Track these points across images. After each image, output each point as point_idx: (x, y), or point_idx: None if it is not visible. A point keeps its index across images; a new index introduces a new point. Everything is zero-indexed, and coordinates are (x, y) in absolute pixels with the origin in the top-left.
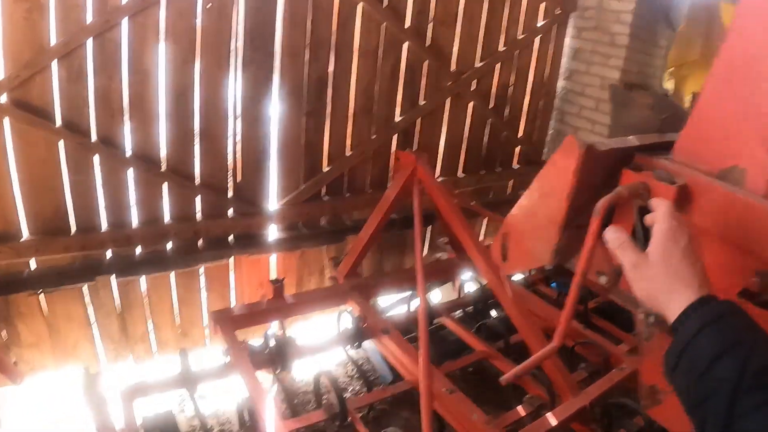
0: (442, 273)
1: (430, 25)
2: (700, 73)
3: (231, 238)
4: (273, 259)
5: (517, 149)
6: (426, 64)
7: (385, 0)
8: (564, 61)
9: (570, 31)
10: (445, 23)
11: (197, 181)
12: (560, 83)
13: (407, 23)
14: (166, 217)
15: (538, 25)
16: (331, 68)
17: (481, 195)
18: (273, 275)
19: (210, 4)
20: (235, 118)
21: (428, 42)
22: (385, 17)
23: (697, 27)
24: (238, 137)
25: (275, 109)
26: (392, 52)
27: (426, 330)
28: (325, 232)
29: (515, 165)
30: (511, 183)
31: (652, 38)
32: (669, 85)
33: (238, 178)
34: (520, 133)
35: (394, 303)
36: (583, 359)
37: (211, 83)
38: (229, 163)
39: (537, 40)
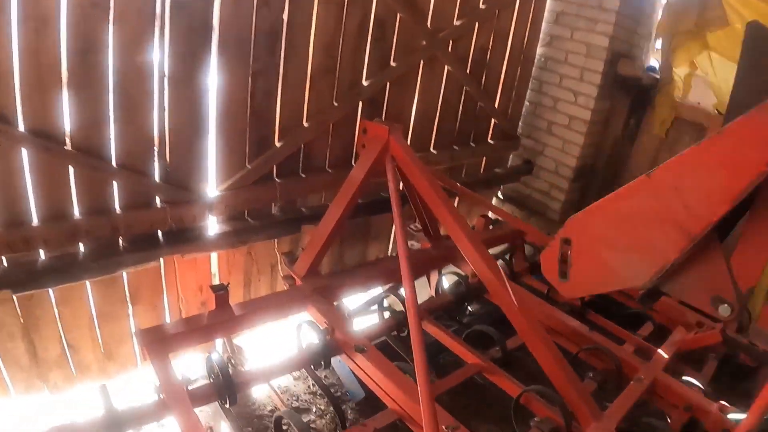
0: (415, 267)
1: None
2: (693, 44)
3: (160, 234)
4: (214, 256)
5: (493, 122)
6: (398, 18)
7: None
8: (544, 26)
9: None
10: None
11: (113, 162)
12: (539, 50)
13: None
14: (75, 212)
15: None
16: (285, 15)
17: (453, 174)
18: (215, 277)
19: None
20: (162, 80)
21: None
22: None
23: None
24: (166, 105)
25: (214, 68)
26: (360, 5)
27: (422, 350)
28: (276, 222)
29: (490, 140)
30: (484, 160)
31: (641, 3)
32: (656, 55)
33: (167, 158)
34: (496, 104)
35: (363, 305)
36: (588, 366)
37: (128, 36)
38: (154, 137)
39: (517, 2)
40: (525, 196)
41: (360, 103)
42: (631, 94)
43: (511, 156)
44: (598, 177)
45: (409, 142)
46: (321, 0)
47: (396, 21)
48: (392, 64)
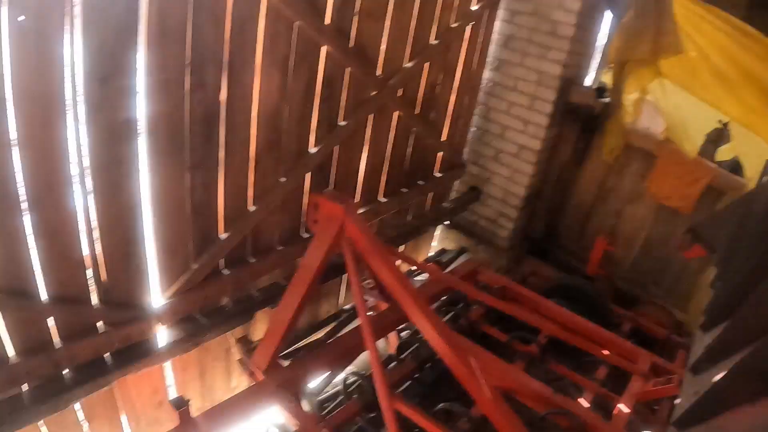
0: (375, 331)
1: (355, 19)
2: (646, 70)
3: (108, 356)
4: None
5: (440, 155)
6: (347, 72)
7: None
8: (493, 49)
9: (501, 13)
10: (373, 15)
11: (44, 297)
12: (486, 74)
13: (327, 19)
14: (11, 353)
15: (472, 8)
16: (223, 95)
17: (399, 216)
18: (169, 377)
19: (23, 17)
20: (85, 197)
21: (352, 42)
22: (299, 13)
23: (646, 21)
24: (93, 222)
25: (144, 168)
26: (307, 61)
27: None
28: (229, 315)
29: (436, 173)
30: (431, 196)
31: (593, 28)
32: (606, 78)
33: (103, 277)
34: (444, 137)
35: (323, 382)
36: (555, 426)
37: (38, 143)
38: (85, 260)
39: (468, 28)
40: (472, 223)
41: (309, 173)
42: (580, 121)
43: (457, 182)
44: (544, 201)
45: (358, 197)
46: (263, 69)
47: (345, 76)
48: (341, 123)
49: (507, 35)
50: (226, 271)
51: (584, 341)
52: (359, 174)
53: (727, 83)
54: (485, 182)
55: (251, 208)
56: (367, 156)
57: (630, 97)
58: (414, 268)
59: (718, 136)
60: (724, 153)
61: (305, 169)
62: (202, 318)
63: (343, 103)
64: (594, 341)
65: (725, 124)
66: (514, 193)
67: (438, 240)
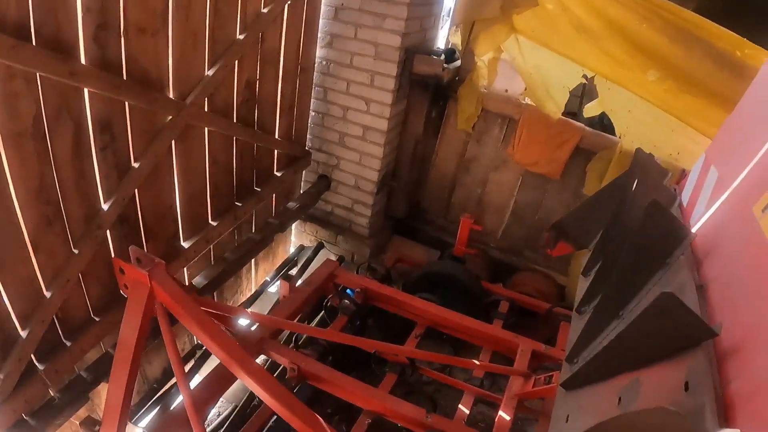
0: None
1: (123, 42)
2: (498, 28)
3: None
4: None
5: (276, 153)
6: (128, 107)
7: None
8: (323, 24)
9: None
10: (148, 30)
11: None
12: (320, 52)
13: (82, 56)
14: None
15: None
16: None
17: (241, 231)
18: None
19: None
20: None
21: (124, 70)
22: (36, 61)
23: None
24: None
25: None
26: (67, 113)
27: None
28: (60, 406)
29: (277, 172)
30: (275, 197)
31: None
32: (456, 39)
33: None
34: (277, 133)
35: None
36: None
37: None
38: None
39: (286, 7)
40: (327, 214)
41: (108, 231)
42: (430, 91)
43: (304, 172)
44: (403, 180)
45: (182, 232)
46: (7, 141)
47: (125, 112)
48: (134, 165)
49: (335, 6)
50: (41, 366)
51: (459, 334)
52: (176, 208)
53: (590, 36)
54: (334, 169)
55: (47, 294)
56: (181, 186)
57: (483, 58)
58: (268, 278)
59: (584, 93)
60: (591, 110)
61: (101, 230)
62: (31, 420)
63: (130, 142)
64: (468, 335)
65: (590, 79)
66: (366, 178)
67: (295, 235)
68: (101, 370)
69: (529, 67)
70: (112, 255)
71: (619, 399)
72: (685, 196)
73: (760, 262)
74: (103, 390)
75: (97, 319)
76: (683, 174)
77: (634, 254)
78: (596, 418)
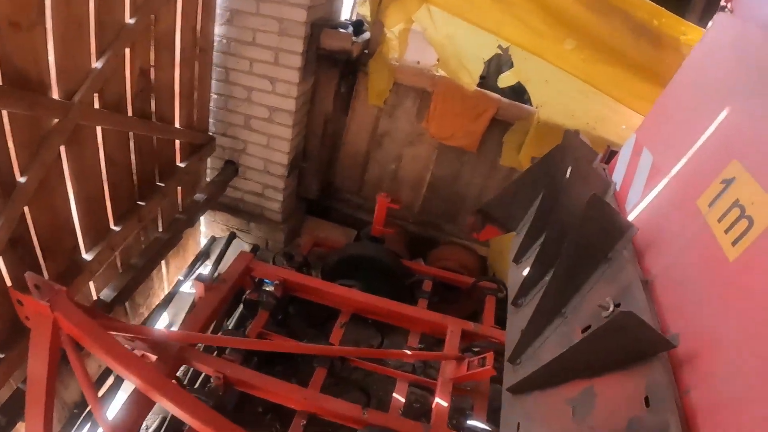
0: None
1: None
2: None
3: None
4: None
5: (178, 143)
6: (5, 116)
7: None
8: (220, 1)
9: None
10: (22, 24)
11: None
12: (219, 29)
13: None
14: None
15: None
16: None
17: (147, 232)
18: None
19: None
20: None
21: None
22: None
23: None
24: None
25: None
26: None
27: None
28: None
29: (180, 163)
30: (180, 191)
31: None
32: (365, 10)
33: None
34: (178, 122)
35: None
36: None
37: None
38: None
39: None
40: (238, 201)
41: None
42: (338, 66)
43: (209, 160)
44: (314, 159)
45: (82, 245)
46: None
47: (2, 122)
48: (20, 180)
49: None
50: None
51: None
52: (73, 219)
53: (505, 5)
54: (241, 154)
55: None
56: (76, 193)
57: (394, 29)
58: (182, 277)
59: (498, 63)
60: (506, 80)
61: None
62: None
63: (13, 155)
64: (394, 319)
65: (505, 50)
66: (276, 162)
67: (206, 225)
68: (15, 410)
69: (441, 37)
70: (8, 284)
71: (573, 410)
72: (617, 178)
73: (711, 266)
74: (21, 428)
75: (1, 355)
76: (608, 150)
77: (575, 249)
78: (550, 430)
